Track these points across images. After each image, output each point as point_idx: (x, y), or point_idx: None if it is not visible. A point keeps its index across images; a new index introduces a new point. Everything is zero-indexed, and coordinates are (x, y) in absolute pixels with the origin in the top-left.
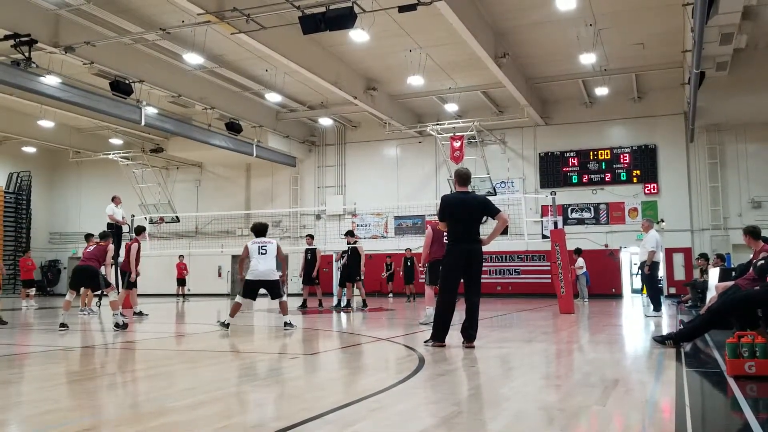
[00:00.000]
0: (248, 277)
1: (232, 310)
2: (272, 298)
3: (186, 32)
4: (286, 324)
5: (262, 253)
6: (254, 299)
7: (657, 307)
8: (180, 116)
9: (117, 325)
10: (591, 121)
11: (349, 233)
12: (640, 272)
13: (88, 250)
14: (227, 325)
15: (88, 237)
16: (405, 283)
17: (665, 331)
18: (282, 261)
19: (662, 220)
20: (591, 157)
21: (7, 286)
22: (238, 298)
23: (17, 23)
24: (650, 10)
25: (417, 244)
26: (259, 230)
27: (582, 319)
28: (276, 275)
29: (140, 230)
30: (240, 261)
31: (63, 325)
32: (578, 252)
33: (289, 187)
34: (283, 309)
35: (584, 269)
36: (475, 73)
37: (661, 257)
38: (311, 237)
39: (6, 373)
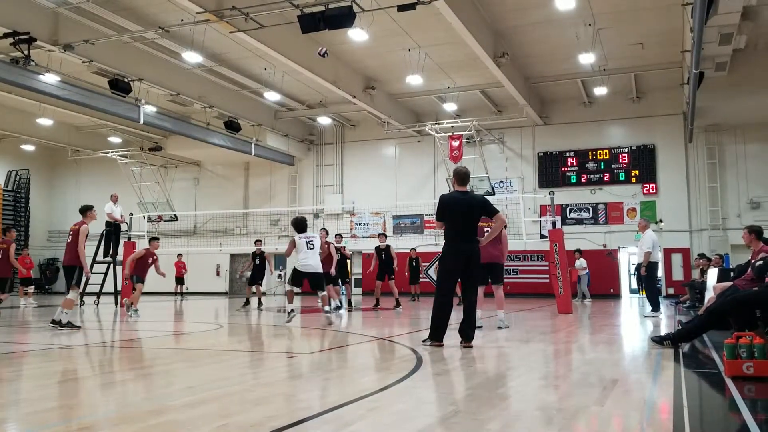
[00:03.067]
0: (299, 268)
1: (289, 298)
2: (314, 289)
3: (185, 31)
4: (326, 311)
5: (310, 248)
6: (301, 286)
7: (655, 308)
8: (179, 115)
9: (54, 322)
10: (590, 120)
11: (382, 235)
12: (637, 272)
13: (67, 240)
14: (292, 311)
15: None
16: (410, 283)
17: (663, 331)
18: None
19: (661, 221)
20: (590, 157)
21: None
22: (287, 287)
23: (16, 21)
24: (649, 10)
25: (416, 243)
26: (302, 225)
27: (580, 319)
28: (321, 269)
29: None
30: (288, 252)
31: (55, 322)
32: (579, 252)
33: (288, 186)
34: (324, 301)
35: (587, 270)
36: (474, 72)
37: (659, 257)
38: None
39: (4, 371)
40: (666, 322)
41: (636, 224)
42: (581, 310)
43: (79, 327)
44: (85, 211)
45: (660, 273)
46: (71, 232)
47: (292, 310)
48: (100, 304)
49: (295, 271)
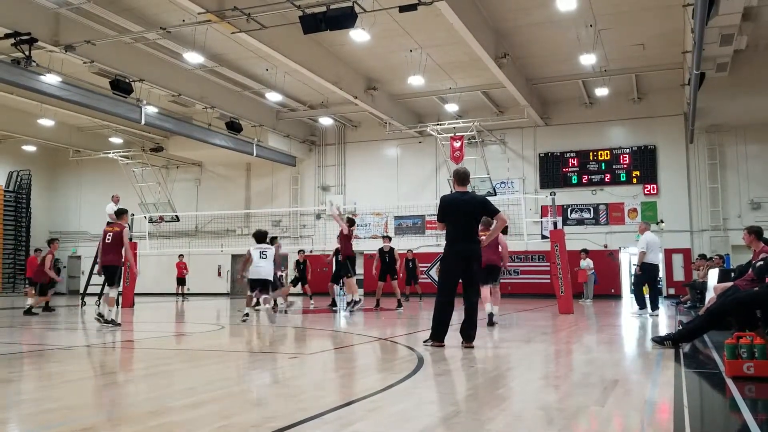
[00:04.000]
0: (251, 276)
1: (247, 302)
2: (262, 293)
3: (186, 31)
4: (245, 315)
5: (263, 258)
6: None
7: (642, 305)
8: (180, 115)
9: (105, 320)
10: (591, 121)
11: (387, 237)
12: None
13: (106, 241)
14: (247, 315)
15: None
16: (406, 284)
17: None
18: (278, 261)
19: (662, 221)
20: (591, 158)
21: (6, 285)
22: (249, 292)
23: (17, 22)
24: (651, 10)
25: (417, 243)
26: (260, 237)
27: (581, 320)
28: (272, 276)
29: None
30: (244, 263)
31: (100, 315)
32: (586, 252)
33: (289, 187)
34: (267, 302)
35: (593, 270)
36: (476, 73)
37: (658, 259)
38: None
39: (6, 372)
40: (666, 322)
41: (637, 224)
42: (582, 310)
43: (119, 325)
44: (123, 214)
45: (661, 274)
46: (110, 234)
47: (247, 314)
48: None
49: (250, 280)
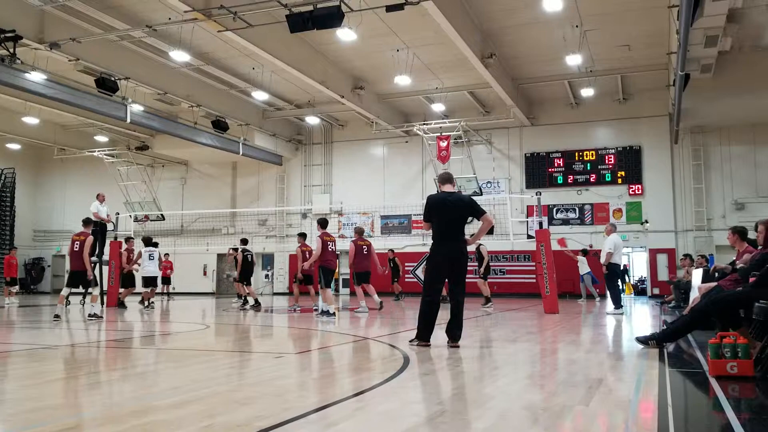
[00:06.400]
0: (142, 274)
1: (144, 298)
2: (147, 287)
3: (173, 29)
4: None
5: (151, 259)
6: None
7: (617, 305)
8: (166, 114)
9: (91, 316)
10: (576, 122)
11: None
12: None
13: (74, 249)
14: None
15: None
16: (392, 282)
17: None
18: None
19: (646, 221)
20: (576, 158)
21: None
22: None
23: (1, 19)
24: (636, 12)
25: (403, 243)
26: (149, 242)
27: (566, 319)
28: (158, 274)
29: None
30: (134, 260)
31: (57, 316)
32: (585, 252)
33: (276, 186)
34: (147, 296)
35: (589, 270)
36: (462, 73)
37: (619, 259)
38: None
39: None
40: (651, 321)
41: (622, 224)
42: (565, 309)
43: (102, 317)
44: (89, 223)
45: (644, 273)
46: (78, 241)
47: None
48: (86, 304)
49: (143, 277)
